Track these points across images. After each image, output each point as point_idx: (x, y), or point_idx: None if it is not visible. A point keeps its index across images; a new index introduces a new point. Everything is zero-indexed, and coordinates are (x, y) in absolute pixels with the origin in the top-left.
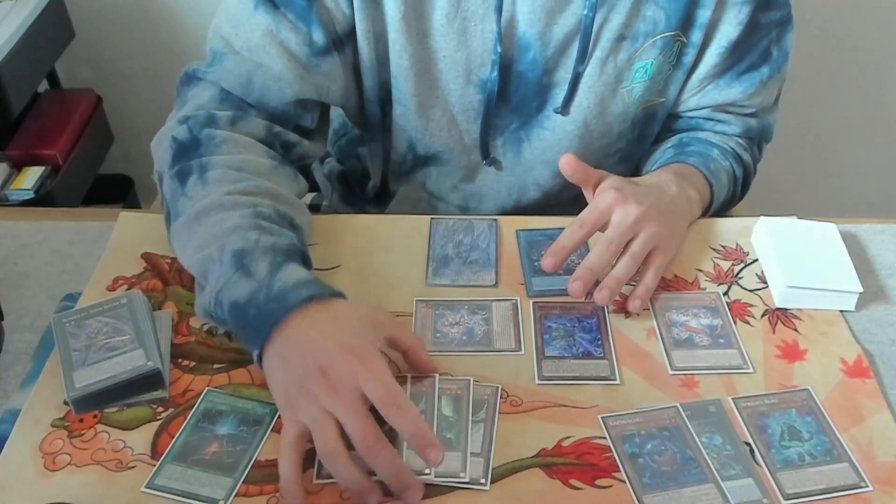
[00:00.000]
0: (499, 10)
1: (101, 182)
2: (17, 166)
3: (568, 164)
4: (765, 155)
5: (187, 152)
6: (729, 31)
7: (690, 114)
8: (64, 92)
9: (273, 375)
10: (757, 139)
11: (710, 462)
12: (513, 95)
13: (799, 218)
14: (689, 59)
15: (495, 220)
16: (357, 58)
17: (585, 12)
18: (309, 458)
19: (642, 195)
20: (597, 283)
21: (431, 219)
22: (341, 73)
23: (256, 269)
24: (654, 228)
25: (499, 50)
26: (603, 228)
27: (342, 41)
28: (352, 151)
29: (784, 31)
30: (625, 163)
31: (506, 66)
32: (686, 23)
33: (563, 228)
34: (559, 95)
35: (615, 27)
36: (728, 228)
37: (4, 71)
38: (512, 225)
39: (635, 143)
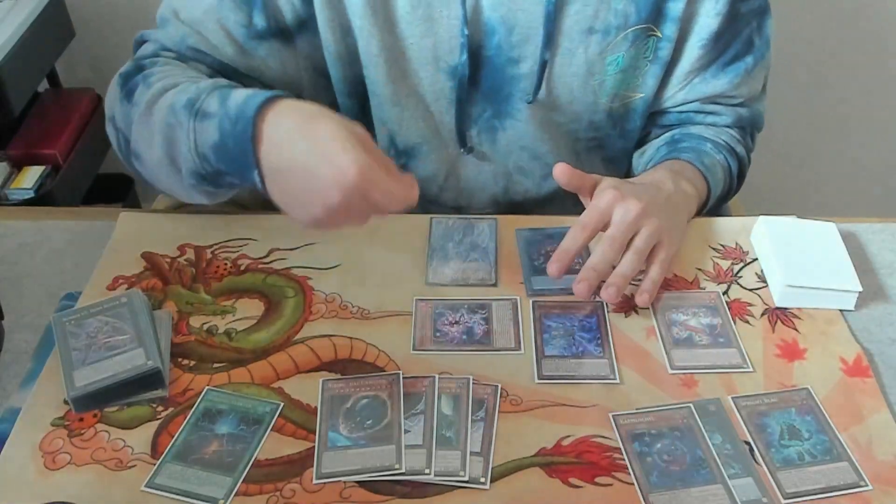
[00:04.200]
0: None
1: (101, 181)
2: (18, 166)
3: (562, 174)
4: (765, 155)
5: (132, 76)
6: (708, 22)
7: (680, 108)
8: (64, 92)
9: (275, 186)
10: (749, 128)
11: (719, 463)
12: (483, 81)
13: (799, 218)
14: (665, 52)
15: (495, 219)
16: (321, 51)
17: None
18: (309, 458)
19: (640, 192)
20: (602, 281)
21: (431, 218)
22: (279, 62)
23: (210, 107)
24: (656, 223)
25: (466, 32)
26: (604, 228)
27: (291, 32)
28: None
29: (763, 19)
30: (612, 163)
31: (474, 52)
32: (657, 16)
33: (563, 227)
34: (529, 86)
35: (583, 19)
36: (728, 228)
37: (4, 71)
38: (512, 224)
39: (617, 138)
